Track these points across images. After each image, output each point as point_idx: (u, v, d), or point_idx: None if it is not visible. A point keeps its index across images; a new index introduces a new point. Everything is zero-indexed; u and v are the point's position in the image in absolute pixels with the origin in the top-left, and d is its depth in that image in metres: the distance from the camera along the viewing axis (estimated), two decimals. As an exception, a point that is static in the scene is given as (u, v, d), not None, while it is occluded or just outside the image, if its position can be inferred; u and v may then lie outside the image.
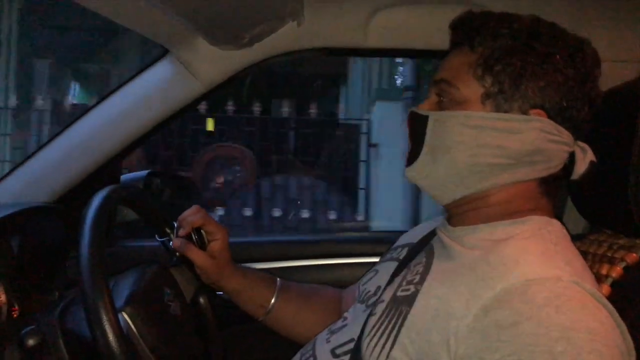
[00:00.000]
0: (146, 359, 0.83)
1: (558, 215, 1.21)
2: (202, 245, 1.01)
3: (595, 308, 0.62)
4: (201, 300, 1.05)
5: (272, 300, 1.04)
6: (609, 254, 0.84)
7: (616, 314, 0.64)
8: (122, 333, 0.73)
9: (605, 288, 0.79)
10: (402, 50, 1.22)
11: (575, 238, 0.94)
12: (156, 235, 1.04)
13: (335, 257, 1.46)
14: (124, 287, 0.89)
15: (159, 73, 1.26)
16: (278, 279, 1.08)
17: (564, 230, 0.76)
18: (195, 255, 0.98)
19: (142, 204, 1.02)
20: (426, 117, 0.78)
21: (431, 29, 0.96)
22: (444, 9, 1.10)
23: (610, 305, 0.64)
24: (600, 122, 0.86)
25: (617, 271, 0.80)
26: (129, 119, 1.26)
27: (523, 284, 0.63)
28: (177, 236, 1.00)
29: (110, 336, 0.72)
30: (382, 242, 1.38)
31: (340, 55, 1.27)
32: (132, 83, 1.26)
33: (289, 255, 1.46)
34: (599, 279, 0.81)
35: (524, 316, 0.61)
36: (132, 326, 0.83)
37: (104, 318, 0.72)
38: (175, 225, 1.02)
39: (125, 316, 0.83)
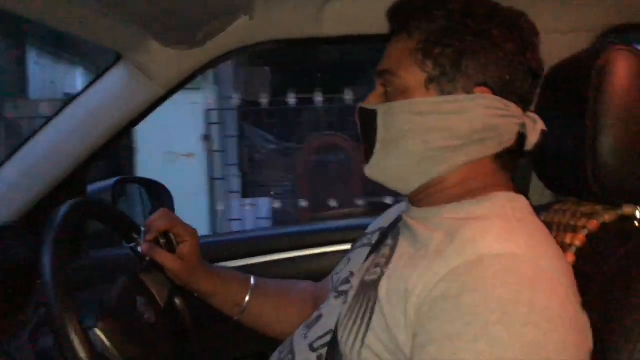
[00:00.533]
0: None
1: (524, 187, 1.23)
2: (170, 248, 1.00)
3: (547, 285, 0.62)
4: (176, 302, 1.04)
5: (247, 299, 1.04)
6: (572, 223, 0.85)
7: (572, 290, 0.65)
8: (93, 352, 0.72)
9: (570, 256, 0.80)
10: (358, 37, 1.21)
11: (541, 209, 0.96)
12: (123, 242, 1.03)
13: (313, 248, 1.46)
14: (95, 302, 0.87)
15: (115, 79, 1.23)
16: (252, 276, 1.07)
17: (529, 206, 0.76)
18: (164, 258, 0.97)
19: (109, 214, 1.01)
20: (374, 112, 0.78)
21: (385, 13, 0.94)
22: None
23: (567, 281, 0.65)
24: (553, 93, 0.87)
25: (580, 239, 0.81)
26: (89, 129, 1.24)
27: (477, 259, 0.63)
28: (144, 241, 0.99)
29: (82, 356, 0.71)
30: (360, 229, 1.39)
31: (296, 46, 1.26)
32: (88, 92, 1.24)
33: (264, 250, 1.45)
34: (564, 248, 0.82)
35: (469, 287, 0.61)
36: (107, 342, 0.82)
37: (74, 339, 0.71)
38: (143, 230, 1.00)
39: (99, 332, 0.81)
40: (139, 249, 0.99)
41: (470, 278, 0.62)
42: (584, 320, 0.65)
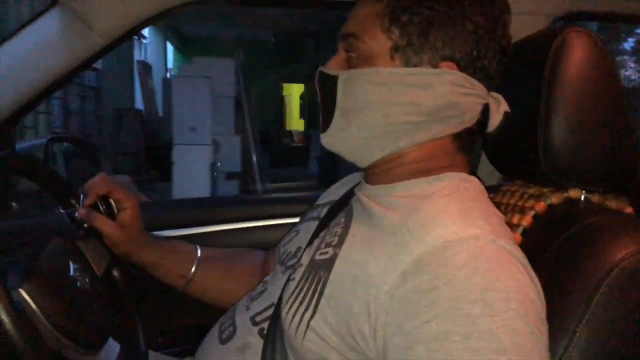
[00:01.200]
0: (51, 337, 0.77)
1: (473, 169, 1.24)
2: (110, 214, 0.94)
3: (511, 265, 0.62)
4: (114, 273, 0.98)
5: (193, 269, 1.00)
6: (520, 204, 0.85)
7: (530, 268, 0.64)
8: (16, 314, 0.67)
9: (517, 237, 0.81)
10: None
11: (490, 190, 0.95)
12: (59, 207, 0.96)
13: (261, 219, 1.42)
14: (21, 263, 0.81)
15: (50, 25, 1.13)
16: (199, 247, 1.03)
17: (481, 186, 0.75)
18: (103, 224, 0.91)
19: (40, 173, 0.93)
20: (335, 77, 0.74)
21: None
22: None
23: (525, 260, 0.65)
24: (509, 73, 0.86)
25: (527, 220, 0.81)
26: (19, 77, 1.14)
27: (441, 245, 0.61)
28: (82, 206, 0.92)
29: (3, 318, 0.65)
30: (306, 201, 1.36)
31: (250, 4, 1.19)
32: (18, 36, 1.13)
33: (210, 219, 1.40)
34: (511, 228, 0.82)
35: (442, 280, 0.59)
36: (32, 303, 0.76)
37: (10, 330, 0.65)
38: (81, 195, 0.94)
39: (24, 293, 0.75)
40: (76, 214, 0.93)
41: (439, 268, 0.60)
42: (542, 294, 0.65)
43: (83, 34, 1.12)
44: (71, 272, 0.86)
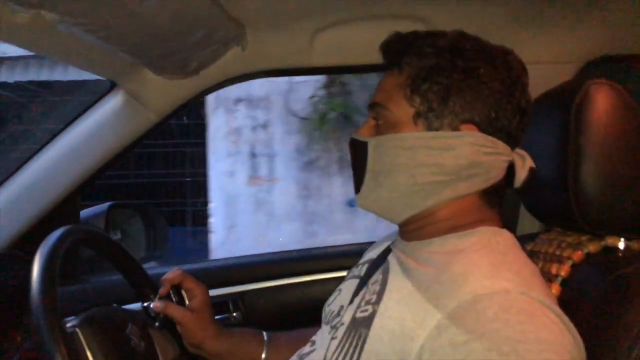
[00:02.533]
0: None
1: (514, 216, 1.24)
2: (181, 304, 1.01)
3: (544, 316, 0.63)
4: None
5: (263, 356, 1.02)
6: (558, 253, 0.85)
7: (566, 318, 0.65)
8: (69, 350, 0.73)
9: (555, 287, 0.81)
10: (347, 67, 1.23)
11: (529, 238, 0.97)
12: (141, 303, 1.04)
13: (313, 274, 1.45)
14: (83, 314, 0.88)
15: (109, 106, 1.25)
16: (264, 332, 1.06)
17: (513, 239, 0.77)
18: (175, 311, 0.97)
19: (128, 264, 1.03)
20: (366, 144, 0.79)
21: (373, 45, 0.97)
22: (384, 23, 1.12)
23: (559, 310, 0.65)
24: (537, 124, 0.89)
25: (565, 269, 0.82)
26: (82, 155, 1.25)
27: (472, 299, 0.64)
28: (157, 297, 1.00)
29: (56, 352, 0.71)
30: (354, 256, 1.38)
31: (287, 75, 1.28)
32: (82, 119, 1.26)
33: (259, 277, 1.45)
34: (550, 278, 0.83)
35: (475, 334, 0.61)
36: (85, 345, 0.83)
37: None
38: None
39: (80, 334, 0.83)
40: (151, 305, 1.00)
41: (471, 322, 0.62)
42: (581, 343, 0.65)
43: (139, 112, 1.23)
44: (127, 330, 0.92)
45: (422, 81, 0.76)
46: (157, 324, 1.00)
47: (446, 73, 0.75)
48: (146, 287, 1.04)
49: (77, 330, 0.83)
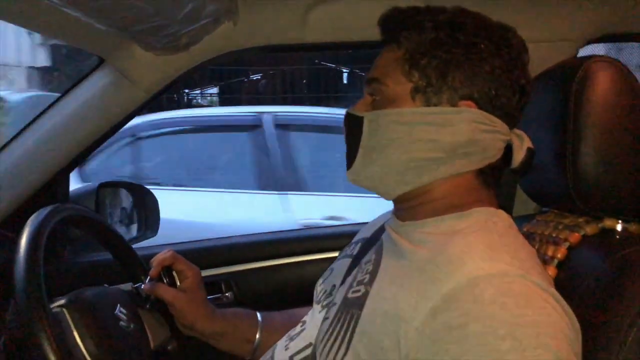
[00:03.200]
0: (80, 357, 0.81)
1: (510, 198, 1.22)
2: (172, 285, 1.00)
3: (541, 300, 0.62)
4: (169, 347, 1.02)
5: (257, 335, 1.01)
6: (554, 235, 0.84)
7: (563, 302, 0.64)
8: (54, 328, 0.72)
9: (552, 270, 0.80)
10: (342, 43, 1.20)
11: (525, 219, 0.96)
12: (131, 284, 1.02)
13: (305, 254, 1.44)
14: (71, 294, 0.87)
15: (97, 83, 1.22)
16: (258, 312, 1.05)
17: (510, 220, 0.76)
18: (166, 292, 0.96)
19: (119, 245, 1.02)
20: (361, 118, 0.77)
21: (368, 21, 0.95)
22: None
23: (556, 294, 0.64)
24: (536, 103, 0.87)
25: (561, 252, 0.81)
26: (70, 132, 1.23)
27: (470, 282, 0.62)
28: (147, 279, 0.99)
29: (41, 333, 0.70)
30: (347, 236, 1.37)
31: (280, 52, 1.25)
32: (69, 95, 1.22)
33: (251, 257, 1.44)
34: (546, 260, 0.82)
35: (471, 316, 0.60)
36: (72, 325, 0.82)
37: (46, 348, 0.70)
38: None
39: (67, 313, 0.82)
40: (142, 287, 0.99)
41: (468, 304, 0.61)
42: (577, 326, 0.65)
43: (128, 89, 1.20)
44: (116, 312, 0.91)
45: (421, 56, 0.74)
46: (147, 305, 0.99)
47: (446, 48, 0.74)
48: (136, 268, 1.03)
49: (64, 310, 0.82)
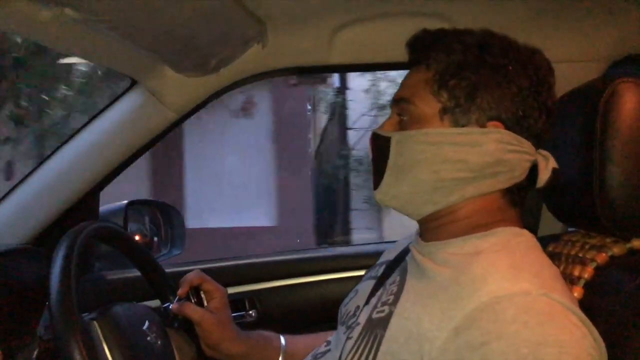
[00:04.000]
0: None
1: (536, 218, 1.22)
2: (200, 305, 1.01)
3: (564, 319, 0.62)
4: None
5: (280, 358, 1.02)
6: (581, 255, 0.84)
7: (587, 321, 0.64)
8: (84, 342, 0.74)
9: (578, 290, 0.79)
10: (366, 65, 1.23)
11: (551, 239, 0.95)
12: (160, 304, 1.04)
13: (322, 274, 1.45)
14: (101, 308, 0.89)
15: (129, 104, 1.26)
16: (281, 335, 1.06)
17: (534, 240, 0.76)
18: (194, 312, 0.97)
19: (149, 265, 1.04)
20: (389, 139, 0.79)
21: (392, 42, 0.97)
22: (404, 21, 1.11)
23: (581, 313, 0.64)
24: (562, 123, 0.87)
25: (588, 272, 0.80)
26: (102, 152, 1.26)
27: (491, 301, 0.63)
28: (176, 299, 1.01)
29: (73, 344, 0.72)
30: (371, 256, 1.37)
31: (306, 73, 1.28)
32: (102, 116, 1.26)
33: (275, 275, 1.45)
34: (572, 281, 0.81)
35: (493, 335, 0.60)
36: (101, 337, 0.83)
37: (76, 356, 0.72)
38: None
39: (97, 326, 0.84)
40: (170, 307, 1.00)
41: (490, 324, 0.61)
42: (603, 347, 0.64)
43: (158, 110, 1.23)
44: (144, 328, 0.93)
45: (450, 77, 0.75)
46: (175, 324, 1.00)
47: (474, 69, 0.75)
48: (164, 286, 1.05)
49: (95, 323, 0.84)
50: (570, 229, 1.00)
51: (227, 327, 1.00)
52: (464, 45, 0.76)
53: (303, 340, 1.07)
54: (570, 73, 1.10)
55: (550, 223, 1.19)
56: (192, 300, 1.00)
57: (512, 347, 0.59)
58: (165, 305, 1.03)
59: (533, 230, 0.97)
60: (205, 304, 1.01)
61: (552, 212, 0.97)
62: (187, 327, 1.00)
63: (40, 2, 0.79)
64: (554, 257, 0.87)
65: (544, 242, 0.85)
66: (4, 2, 0.78)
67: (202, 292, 1.02)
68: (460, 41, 0.77)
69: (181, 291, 1.00)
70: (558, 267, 0.84)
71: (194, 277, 1.00)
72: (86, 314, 0.87)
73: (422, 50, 0.79)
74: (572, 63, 1.17)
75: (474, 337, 0.61)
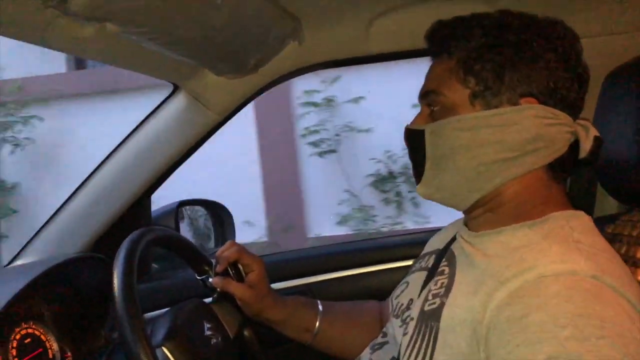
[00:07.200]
0: None
1: (590, 197, 1.18)
2: (239, 278, 1.03)
3: (612, 299, 0.60)
4: (246, 333, 1.07)
5: (317, 324, 1.05)
6: (643, 236, 0.81)
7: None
8: None
9: (642, 272, 0.76)
10: (406, 52, 1.21)
11: (608, 220, 0.92)
12: (195, 274, 1.07)
13: (371, 265, 1.45)
14: (164, 323, 0.92)
15: (173, 109, 1.28)
16: (319, 301, 1.08)
17: (590, 222, 0.74)
18: (235, 288, 1.00)
19: (176, 244, 1.05)
20: (422, 132, 0.78)
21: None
22: (442, 5, 1.09)
23: (633, 299, 0.62)
24: (614, 97, 0.84)
25: (652, 254, 0.77)
26: (150, 157, 1.29)
27: (536, 279, 0.63)
28: (215, 273, 1.03)
29: None
30: (416, 244, 1.37)
31: (345, 65, 1.27)
32: (148, 122, 1.29)
33: (324, 268, 1.46)
34: (635, 263, 0.78)
35: (534, 307, 0.60)
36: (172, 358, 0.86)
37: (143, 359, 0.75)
38: (213, 263, 1.04)
39: (166, 351, 0.86)
40: (210, 280, 1.03)
41: (532, 298, 0.61)
42: None
43: (202, 113, 1.25)
44: (206, 332, 0.95)
45: (475, 61, 0.75)
46: (215, 296, 1.04)
47: (497, 50, 0.74)
48: (202, 263, 1.06)
49: (163, 348, 0.86)
50: (628, 209, 0.96)
51: (266, 296, 1.02)
52: (483, 28, 0.76)
53: (339, 307, 1.10)
54: (619, 45, 1.05)
55: (605, 202, 1.15)
56: (232, 273, 1.03)
57: (551, 317, 0.58)
58: (203, 277, 1.05)
59: (588, 211, 0.94)
60: (244, 277, 1.03)
61: (607, 191, 0.94)
62: (228, 297, 1.03)
63: (82, 19, 0.81)
64: (613, 239, 0.84)
65: (601, 223, 0.82)
66: (49, 24, 0.80)
67: (240, 265, 1.03)
68: (478, 25, 0.76)
69: (219, 268, 1.02)
70: (619, 249, 0.81)
71: (232, 253, 1.02)
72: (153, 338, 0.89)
73: (441, 41, 0.79)
74: (618, 35, 1.12)
75: (516, 311, 0.61)
